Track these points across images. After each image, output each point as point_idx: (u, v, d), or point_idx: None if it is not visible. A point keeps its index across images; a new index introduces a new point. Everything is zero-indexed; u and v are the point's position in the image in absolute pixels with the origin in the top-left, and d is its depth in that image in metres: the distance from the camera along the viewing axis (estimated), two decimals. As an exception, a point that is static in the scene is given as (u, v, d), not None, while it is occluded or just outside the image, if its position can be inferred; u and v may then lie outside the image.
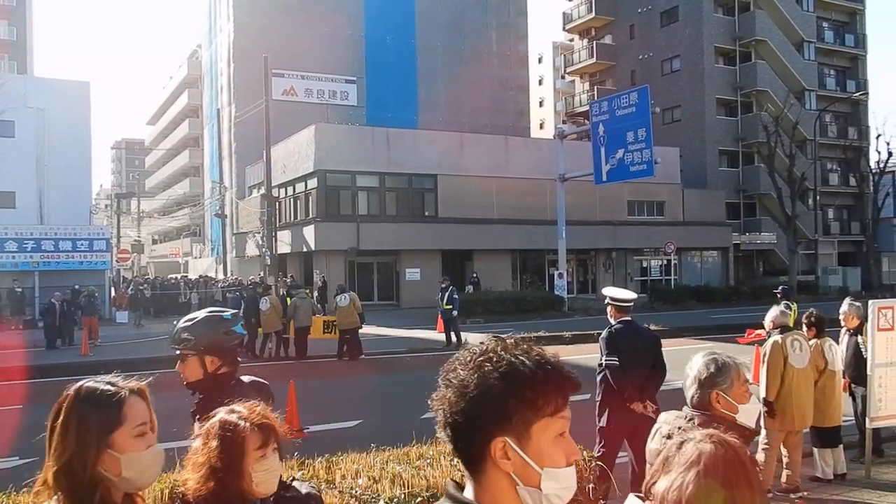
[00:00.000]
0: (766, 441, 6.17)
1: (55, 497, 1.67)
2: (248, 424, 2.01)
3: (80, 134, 29.70)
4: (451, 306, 17.80)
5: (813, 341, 6.58)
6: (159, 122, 78.17)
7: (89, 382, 1.80)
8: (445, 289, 18.25)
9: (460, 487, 1.37)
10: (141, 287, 31.96)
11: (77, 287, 23.13)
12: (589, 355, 14.26)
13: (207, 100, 55.97)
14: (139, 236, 48.27)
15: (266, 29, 42.32)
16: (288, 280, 29.62)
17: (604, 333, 5.83)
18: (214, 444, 1.98)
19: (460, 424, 1.33)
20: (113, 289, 30.24)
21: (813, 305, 9.72)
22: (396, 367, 15.44)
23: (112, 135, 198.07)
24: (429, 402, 1.45)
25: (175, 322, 3.26)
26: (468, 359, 1.36)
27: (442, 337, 19.86)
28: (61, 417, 1.72)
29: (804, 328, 6.80)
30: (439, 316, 21.77)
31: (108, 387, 1.78)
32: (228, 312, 3.01)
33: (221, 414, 2.07)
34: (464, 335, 19.23)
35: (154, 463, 1.82)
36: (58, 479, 1.68)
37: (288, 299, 17.38)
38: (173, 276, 43.74)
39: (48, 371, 15.30)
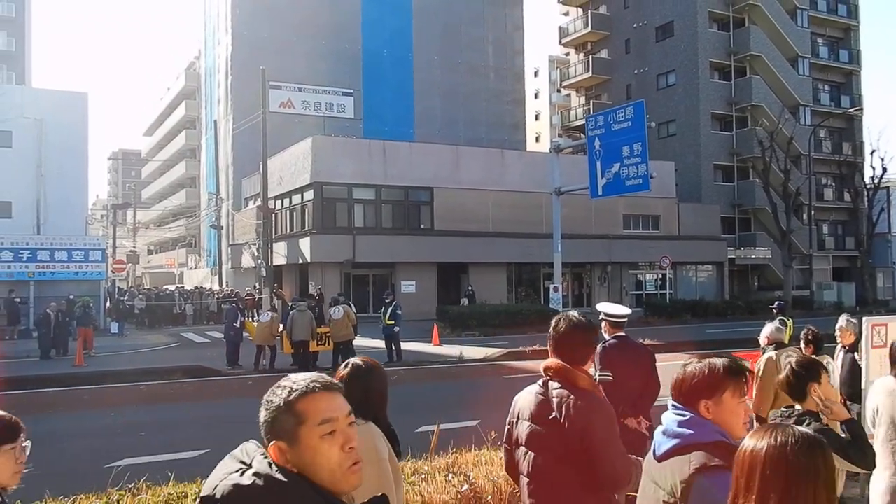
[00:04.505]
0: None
1: None
2: None
3: (78, 144, 29.70)
4: (392, 322, 17.44)
5: (810, 358, 6.58)
6: (156, 132, 78.26)
7: None
8: (389, 304, 17.83)
9: None
10: (123, 298, 31.87)
11: (72, 297, 23.07)
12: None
13: (205, 111, 56.07)
14: (135, 247, 48.20)
15: (264, 41, 42.49)
16: (279, 292, 29.65)
17: (598, 349, 5.84)
18: None
19: None
20: (108, 299, 30.19)
21: (808, 321, 9.74)
22: (391, 381, 15.34)
23: (109, 145, 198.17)
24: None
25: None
26: None
27: (440, 350, 19.88)
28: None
29: (802, 345, 6.80)
30: (434, 329, 21.83)
31: None
32: None
33: None
34: (461, 348, 19.25)
35: None
36: None
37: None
38: (168, 286, 43.63)
39: (42, 382, 15.24)
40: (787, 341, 6.82)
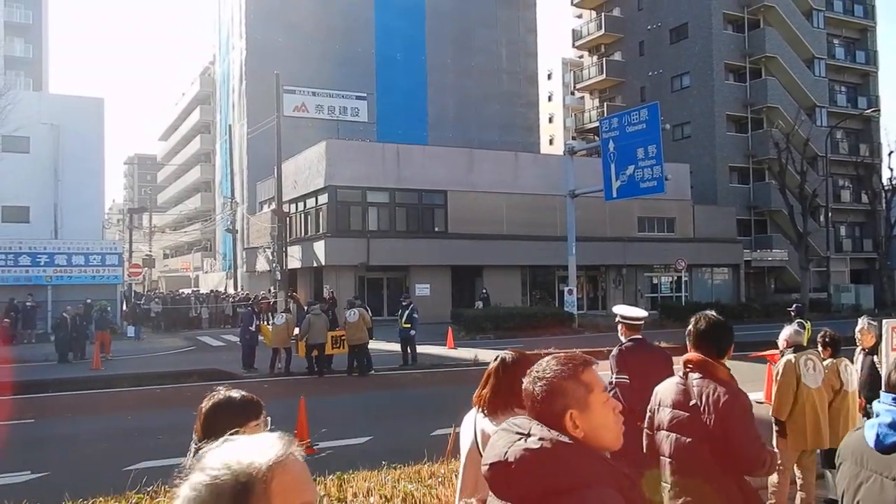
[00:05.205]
0: (779, 462, 6.11)
1: None
2: None
3: (94, 149, 29.95)
4: (409, 325, 17.41)
5: (828, 361, 6.52)
6: (171, 137, 78.85)
7: None
8: (406, 307, 17.74)
9: None
10: (139, 301, 32.10)
11: (89, 301, 23.26)
12: (599, 373, 14.18)
13: (219, 116, 56.44)
14: (151, 251, 48.51)
15: (277, 46, 42.73)
16: (294, 295, 29.73)
17: (614, 351, 5.82)
18: None
19: None
20: (125, 303, 30.42)
21: (826, 324, 9.65)
22: (406, 383, 15.43)
23: (125, 150, 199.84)
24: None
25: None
26: None
27: (454, 353, 19.88)
28: None
29: (819, 348, 6.74)
30: (449, 332, 21.82)
31: None
32: None
33: None
34: (476, 351, 19.23)
35: None
36: None
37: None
38: (184, 290, 43.88)
39: (60, 385, 15.38)
40: (805, 344, 6.75)
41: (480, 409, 3.24)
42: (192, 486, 1.12)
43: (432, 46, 47.99)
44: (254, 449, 1.15)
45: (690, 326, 3.42)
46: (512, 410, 3.13)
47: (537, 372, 1.89)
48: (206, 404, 2.52)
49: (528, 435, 1.77)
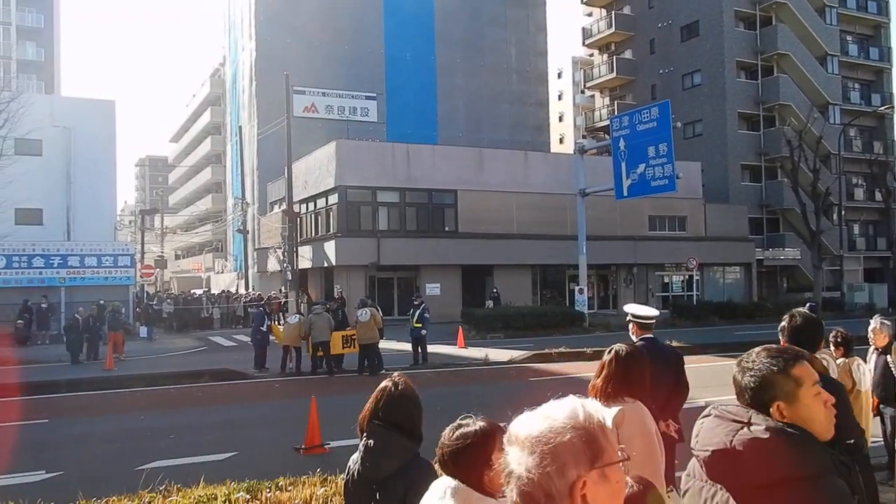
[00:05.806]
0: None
1: None
2: None
3: (106, 151, 30.14)
4: (420, 325, 17.41)
5: (840, 360, 6.46)
6: (182, 139, 79.22)
7: None
8: (417, 306, 17.71)
9: None
10: (151, 302, 32.26)
11: (102, 302, 23.40)
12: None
13: (230, 117, 56.64)
14: (162, 252, 48.75)
15: (287, 47, 42.85)
16: (307, 297, 29.83)
17: (626, 351, 5.79)
18: None
19: None
20: (137, 304, 30.57)
21: (839, 323, 9.57)
22: (417, 383, 15.31)
23: (136, 152, 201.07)
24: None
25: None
26: None
27: (465, 353, 19.87)
28: None
29: (831, 347, 6.68)
30: (460, 331, 21.81)
31: None
32: None
33: None
34: (486, 351, 19.22)
35: None
36: None
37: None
38: (196, 290, 44.07)
39: (74, 385, 15.48)
40: (819, 343, 6.68)
41: (595, 398, 3.44)
42: (544, 454, 1.24)
43: (441, 46, 47.99)
44: (576, 408, 1.30)
45: (784, 322, 3.64)
46: (622, 398, 3.43)
47: (747, 363, 1.96)
48: (401, 393, 2.83)
49: (750, 423, 1.81)
